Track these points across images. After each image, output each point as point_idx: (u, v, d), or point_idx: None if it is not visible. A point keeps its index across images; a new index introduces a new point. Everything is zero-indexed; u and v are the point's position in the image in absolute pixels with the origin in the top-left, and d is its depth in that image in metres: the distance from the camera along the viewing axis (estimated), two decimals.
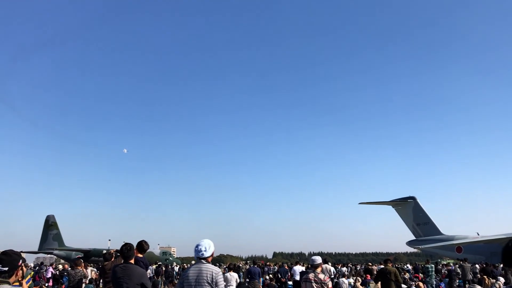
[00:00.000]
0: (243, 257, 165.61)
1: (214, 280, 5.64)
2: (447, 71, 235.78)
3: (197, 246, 5.89)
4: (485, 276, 23.01)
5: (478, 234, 53.34)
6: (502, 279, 20.51)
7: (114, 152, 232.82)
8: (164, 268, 31.12)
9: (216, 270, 5.72)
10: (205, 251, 5.81)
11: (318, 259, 8.63)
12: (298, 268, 22.63)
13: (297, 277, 20.47)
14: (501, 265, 28.52)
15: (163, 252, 63.40)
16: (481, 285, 19.92)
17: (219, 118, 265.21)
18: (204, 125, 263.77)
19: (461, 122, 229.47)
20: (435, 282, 22.16)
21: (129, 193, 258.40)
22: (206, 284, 5.63)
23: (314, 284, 8.12)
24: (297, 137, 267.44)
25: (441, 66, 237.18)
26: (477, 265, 30.07)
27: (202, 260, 5.81)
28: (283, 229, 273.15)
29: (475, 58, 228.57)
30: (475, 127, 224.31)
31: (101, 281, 10.06)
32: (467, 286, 19.01)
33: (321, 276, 8.22)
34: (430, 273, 21.93)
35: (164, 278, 28.16)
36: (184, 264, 52.41)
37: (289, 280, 23.52)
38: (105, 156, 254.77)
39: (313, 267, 8.58)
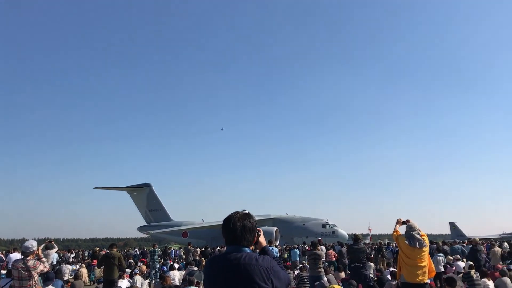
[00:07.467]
0: None
1: None
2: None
3: None
4: (203, 259, 25.39)
5: (203, 220, 58.80)
6: None
7: None
8: None
9: None
10: None
11: (31, 247, 7.91)
12: (15, 256, 20.68)
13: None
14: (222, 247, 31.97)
15: None
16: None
17: None
18: None
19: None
20: (158, 266, 23.22)
21: None
22: None
23: (22, 271, 7.72)
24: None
25: None
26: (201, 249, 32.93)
27: None
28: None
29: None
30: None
31: None
32: (188, 266, 20.65)
33: (31, 262, 7.82)
34: (154, 257, 22.95)
35: None
36: None
37: (3, 269, 21.20)
38: None
39: (24, 254, 7.92)
